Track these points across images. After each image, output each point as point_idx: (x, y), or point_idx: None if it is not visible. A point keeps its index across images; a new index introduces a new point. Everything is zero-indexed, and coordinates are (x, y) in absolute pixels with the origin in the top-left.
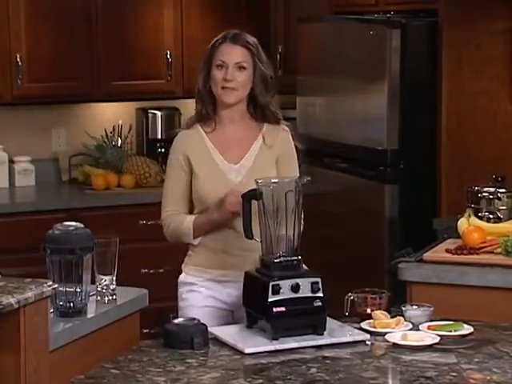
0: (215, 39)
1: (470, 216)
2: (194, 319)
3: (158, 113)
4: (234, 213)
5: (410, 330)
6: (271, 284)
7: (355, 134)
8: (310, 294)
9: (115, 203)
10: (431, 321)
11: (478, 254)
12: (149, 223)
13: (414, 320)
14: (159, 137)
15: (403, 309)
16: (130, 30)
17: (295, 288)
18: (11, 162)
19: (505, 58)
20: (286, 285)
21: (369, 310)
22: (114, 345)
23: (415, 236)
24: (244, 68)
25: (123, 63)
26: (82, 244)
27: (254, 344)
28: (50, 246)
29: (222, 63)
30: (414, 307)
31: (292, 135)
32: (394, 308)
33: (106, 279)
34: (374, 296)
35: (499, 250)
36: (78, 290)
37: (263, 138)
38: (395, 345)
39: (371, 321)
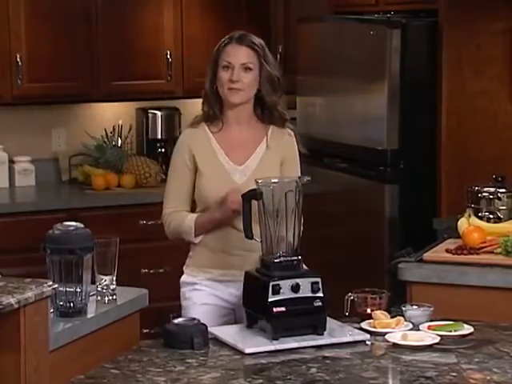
0: (221, 40)
1: (470, 216)
2: (194, 319)
3: (158, 113)
4: (235, 211)
5: (410, 329)
6: (271, 284)
7: (355, 134)
8: (310, 294)
9: (115, 203)
10: (431, 321)
11: (477, 253)
12: (149, 223)
13: (414, 320)
14: (159, 137)
15: (403, 309)
16: (130, 30)
17: (295, 288)
18: (11, 162)
19: (505, 58)
20: (286, 285)
21: (369, 310)
22: (113, 345)
23: (415, 236)
24: (250, 69)
25: (123, 63)
26: (82, 244)
27: (254, 344)
28: (50, 246)
29: (227, 64)
30: (414, 307)
31: (296, 140)
32: (394, 308)
33: (106, 279)
34: (374, 296)
35: (499, 250)
36: (78, 289)
37: (269, 140)
38: (395, 345)
39: (371, 321)
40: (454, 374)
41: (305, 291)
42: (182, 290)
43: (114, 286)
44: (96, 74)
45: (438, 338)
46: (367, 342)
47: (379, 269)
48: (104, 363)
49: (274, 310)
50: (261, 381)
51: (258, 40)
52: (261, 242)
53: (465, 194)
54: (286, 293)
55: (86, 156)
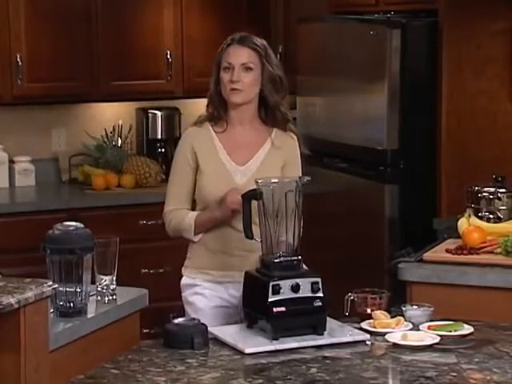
0: (224, 42)
1: (469, 216)
2: (194, 319)
3: (158, 113)
4: (234, 211)
5: (410, 329)
6: (271, 284)
7: (355, 134)
8: (310, 294)
9: (115, 203)
10: (431, 321)
11: (478, 253)
12: (149, 223)
13: (414, 320)
14: (159, 137)
15: (403, 309)
16: (130, 30)
17: (295, 288)
18: (11, 161)
19: (505, 58)
20: (286, 285)
21: (369, 310)
22: (113, 345)
23: (415, 236)
24: (250, 69)
25: (123, 63)
26: (82, 244)
27: (254, 344)
28: (50, 246)
29: (228, 65)
30: (414, 307)
31: (299, 143)
32: (394, 308)
33: (105, 279)
34: (374, 296)
35: (499, 250)
36: (78, 290)
37: (272, 142)
38: (395, 345)
39: (371, 321)
40: (454, 373)
41: (305, 291)
42: (183, 294)
43: (114, 286)
44: (96, 74)
45: (438, 338)
46: (367, 342)
47: (379, 269)
48: (104, 363)
49: (274, 309)
50: (261, 381)
51: (260, 41)
52: (261, 242)
53: (465, 194)
54: (285, 293)
55: (85, 156)
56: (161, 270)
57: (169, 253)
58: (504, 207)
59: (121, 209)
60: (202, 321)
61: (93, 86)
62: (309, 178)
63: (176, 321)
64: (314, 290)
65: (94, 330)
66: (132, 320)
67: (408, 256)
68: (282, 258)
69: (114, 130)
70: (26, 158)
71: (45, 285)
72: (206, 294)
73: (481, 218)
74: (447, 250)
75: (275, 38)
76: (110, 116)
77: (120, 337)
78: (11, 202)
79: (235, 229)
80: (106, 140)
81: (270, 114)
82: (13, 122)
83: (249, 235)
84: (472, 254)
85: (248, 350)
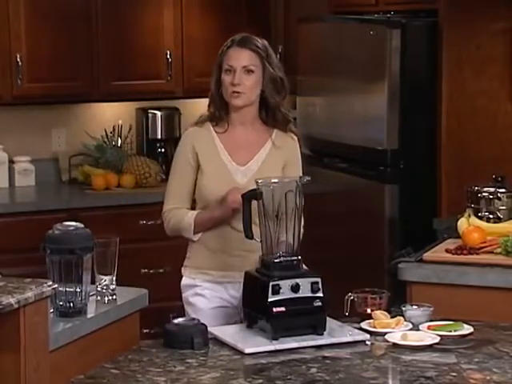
0: (224, 44)
1: (469, 216)
2: (194, 319)
3: (158, 113)
4: (235, 210)
5: (410, 329)
6: (271, 284)
7: (355, 134)
8: (310, 294)
9: (115, 203)
10: (431, 321)
11: (478, 254)
12: (149, 223)
13: (414, 320)
14: (159, 137)
15: (403, 309)
16: (130, 30)
17: (295, 288)
18: (11, 162)
19: (505, 58)
20: (285, 285)
21: (369, 310)
22: (113, 345)
23: (415, 236)
24: (252, 71)
25: (123, 63)
26: (82, 244)
27: (254, 344)
28: (49, 246)
29: (229, 68)
30: (414, 307)
31: (300, 144)
32: (394, 308)
33: (106, 279)
34: (374, 296)
35: (499, 250)
36: (78, 290)
37: (272, 142)
38: (395, 345)
39: (371, 321)
40: (454, 373)
41: (305, 291)
42: (183, 295)
43: (114, 286)
44: (96, 74)
45: (438, 338)
46: (367, 342)
47: (379, 269)
48: (104, 363)
49: (274, 309)
50: (261, 381)
51: (260, 42)
52: (261, 242)
53: (465, 194)
54: (285, 293)
55: (86, 156)
56: (161, 270)
57: (169, 253)
58: (504, 207)
59: (121, 209)
60: (202, 321)
61: (93, 85)
62: (309, 178)
63: (176, 321)
64: (313, 290)
65: (94, 330)
66: (132, 320)
67: (408, 256)
68: (281, 258)
69: (113, 130)
70: (25, 157)
71: (45, 285)
72: (206, 295)
73: (481, 218)
74: (447, 250)
75: (275, 38)
76: (110, 116)
77: (120, 337)
78: (11, 201)
79: (235, 229)
80: (106, 140)
81: (270, 115)
82: (13, 122)
83: (249, 235)
84: (472, 254)
85: (248, 350)
